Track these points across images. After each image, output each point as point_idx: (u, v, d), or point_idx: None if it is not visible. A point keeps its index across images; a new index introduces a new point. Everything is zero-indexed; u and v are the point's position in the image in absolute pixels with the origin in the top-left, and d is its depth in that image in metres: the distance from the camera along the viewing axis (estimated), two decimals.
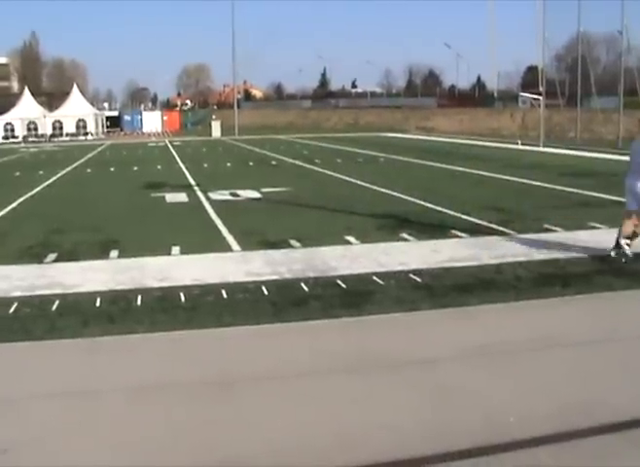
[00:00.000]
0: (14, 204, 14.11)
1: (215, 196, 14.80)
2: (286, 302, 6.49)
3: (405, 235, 9.59)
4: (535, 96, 33.22)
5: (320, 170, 20.98)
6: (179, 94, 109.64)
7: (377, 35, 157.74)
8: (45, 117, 54.16)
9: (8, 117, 53.68)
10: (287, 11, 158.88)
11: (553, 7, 32.30)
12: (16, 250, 9.16)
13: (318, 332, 5.70)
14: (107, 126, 60.91)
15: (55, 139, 51.44)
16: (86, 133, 53.88)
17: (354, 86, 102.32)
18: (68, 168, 24.09)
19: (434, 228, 10.15)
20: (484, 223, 10.57)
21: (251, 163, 24.65)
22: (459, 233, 9.70)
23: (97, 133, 55.43)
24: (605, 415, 3.94)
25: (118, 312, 6.24)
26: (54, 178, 20.40)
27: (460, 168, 20.32)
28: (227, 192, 15.39)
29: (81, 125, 54.35)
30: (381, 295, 6.66)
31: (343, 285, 7.04)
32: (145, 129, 64.43)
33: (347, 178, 18.06)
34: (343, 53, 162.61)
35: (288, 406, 4.23)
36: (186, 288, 6.95)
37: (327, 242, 9.19)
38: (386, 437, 3.75)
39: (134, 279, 7.38)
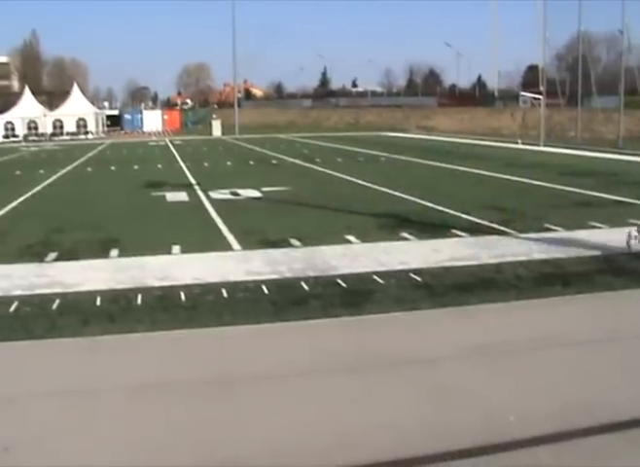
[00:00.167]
0: (14, 203, 14.11)
1: (215, 195, 14.80)
2: (286, 301, 6.50)
3: (405, 235, 9.59)
4: (535, 96, 33.20)
5: (320, 169, 20.99)
6: (179, 93, 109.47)
7: (378, 34, 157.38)
8: (45, 116, 54.09)
9: (8, 116, 53.63)
10: (287, 10, 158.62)
11: (554, 6, 32.43)
12: (16, 249, 9.16)
13: (318, 331, 5.70)
14: (107, 125, 60.74)
15: (56, 138, 51.37)
16: (86, 132, 53.83)
17: (355, 85, 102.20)
18: (69, 167, 24.10)
19: (434, 227, 10.15)
20: (485, 222, 10.56)
21: (251, 163, 24.65)
22: (459, 233, 9.70)
23: (98, 132, 55.35)
24: (605, 415, 3.94)
25: (118, 311, 6.24)
26: (55, 177, 20.41)
27: (460, 168, 20.32)
28: (227, 191, 15.39)
29: (81, 124, 54.30)
30: (381, 294, 6.66)
31: (344, 284, 7.04)
32: (145, 128, 64.31)
33: (348, 177, 18.07)
34: (344, 53, 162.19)
35: (288, 405, 4.23)
36: (186, 287, 6.95)
37: (327, 241, 9.19)
38: (386, 436, 3.75)
39: (134, 278, 7.39)
